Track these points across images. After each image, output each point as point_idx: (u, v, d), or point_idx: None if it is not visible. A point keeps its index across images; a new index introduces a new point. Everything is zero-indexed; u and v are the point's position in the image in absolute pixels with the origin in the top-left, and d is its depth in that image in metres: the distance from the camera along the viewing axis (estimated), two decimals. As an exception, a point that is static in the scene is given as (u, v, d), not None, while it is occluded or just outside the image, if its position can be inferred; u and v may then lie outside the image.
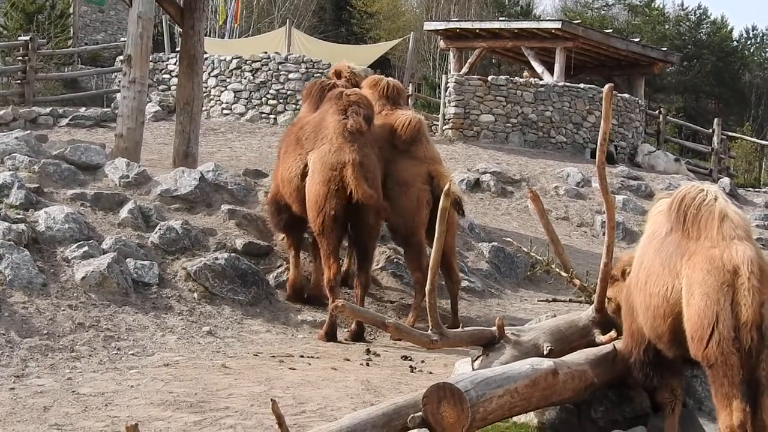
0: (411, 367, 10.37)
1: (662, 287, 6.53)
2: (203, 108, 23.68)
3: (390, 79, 13.60)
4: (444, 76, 28.57)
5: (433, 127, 28.23)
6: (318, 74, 26.34)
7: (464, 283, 13.97)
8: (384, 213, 11.89)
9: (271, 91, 26.94)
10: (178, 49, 22.65)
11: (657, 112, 33.64)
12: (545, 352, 7.64)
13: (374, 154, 11.90)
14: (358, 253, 12.08)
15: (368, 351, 11.05)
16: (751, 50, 57.74)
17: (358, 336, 11.57)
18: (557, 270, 9.58)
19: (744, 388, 6.14)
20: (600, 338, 7.94)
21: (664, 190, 22.92)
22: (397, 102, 13.18)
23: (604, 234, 8.13)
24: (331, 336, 11.46)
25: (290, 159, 12.21)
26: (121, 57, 19.59)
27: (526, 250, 10.76)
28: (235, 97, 27.23)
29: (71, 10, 35.52)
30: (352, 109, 11.86)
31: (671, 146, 34.90)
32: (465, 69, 32.02)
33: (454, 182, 12.13)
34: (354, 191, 11.30)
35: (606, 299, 8.03)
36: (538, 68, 30.45)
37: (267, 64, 27.17)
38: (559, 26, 29.61)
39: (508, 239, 14.20)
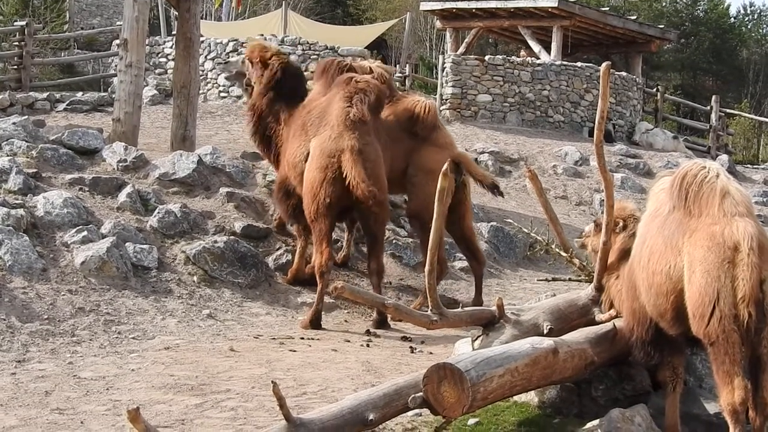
0: (411, 347, 10.39)
1: (665, 265, 6.54)
2: (200, 91, 23.61)
3: (379, 66, 13.42)
4: (441, 57, 28.51)
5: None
6: (315, 56, 26.31)
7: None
8: (386, 202, 11.79)
9: (268, 74, 26.87)
10: (174, 32, 22.60)
11: (655, 89, 33.61)
12: (545, 332, 7.66)
13: (377, 144, 11.74)
14: (368, 240, 11.93)
15: (368, 332, 11.05)
16: (749, 27, 57.61)
17: (381, 324, 11.32)
18: (556, 249, 9.58)
19: (745, 366, 6.15)
20: (600, 317, 7.96)
21: (662, 168, 22.96)
22: (389, 86, 13.10)
23: (602, 212, 8.11)
24: (315, 324, 11.19)
25: (296, 144, 12.06)
26: (118, 41, 19.57)
27: (526, 230, 10.76)
28: (232, 79, 27.18)
29: (67, -5, 35.47)
30: (358, 96, 11.67)
31: (669, 124, 34.88)
32: (462, 49, 31.99)
33: (472, 160, 12.20)
34: (349, 175, 11.23)
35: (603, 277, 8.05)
36: (535, 47, 30.44)
37: (263, 47, 27.09)
38: (556, 5, 29.53)
39: (508, 220, 14.21)
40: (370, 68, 12.95)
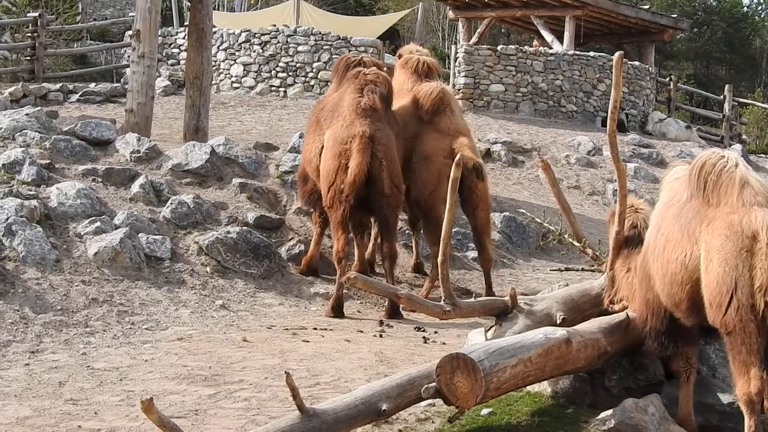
0: (424, 338, 10.39)
1: (681, 254, 6.51)
2: (213, 82, 23.60)
3: (422, 56, 13.47)
4: (453, 47, 28.44)
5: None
6: (327, 47, 26.31)
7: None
8: (399, 186, 11.83)
9: (280, 64, 26.85)
10: (186, 23, 22.58)
11: (667, 79, 33.48)
12: (558, 322, 7.65)
13: (390, 130, 11.85)
14: (380, 225, 12.05)
15: (381, 323, 11.06)
16: (762, 16, 57.43)
17: (394, 313, 11.39)
18: (569, 239, 9.57)
19: (762, 356, 6.12)
20: (613, 307, 7.94)
21: (675, 157, 22.87)
22: (430, 77, 13.16)
23: (615, 202, 8.11)
24: (338, 311, 11.36)
25: (311, 139, 12.32)
26: (130, 32, 19.53)
27: (539, 220, 10.75)
28: (244, 70, 27.15)
29: (79, -14, 35.46)
30: (369, 87, 11.87)
31: (682, 113, 34.74)
32: (474, 39, 31.90)
33: (469, 150, 12.06)
34: (351, 162, 11.35)
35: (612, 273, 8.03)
36: (548, 37, 30.30)
37: (276, 37, 27.06)
38: (568, -6, 29.45)
39: (521, 210, 14.20)
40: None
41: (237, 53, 27.36)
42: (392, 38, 39.60)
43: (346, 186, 11.33)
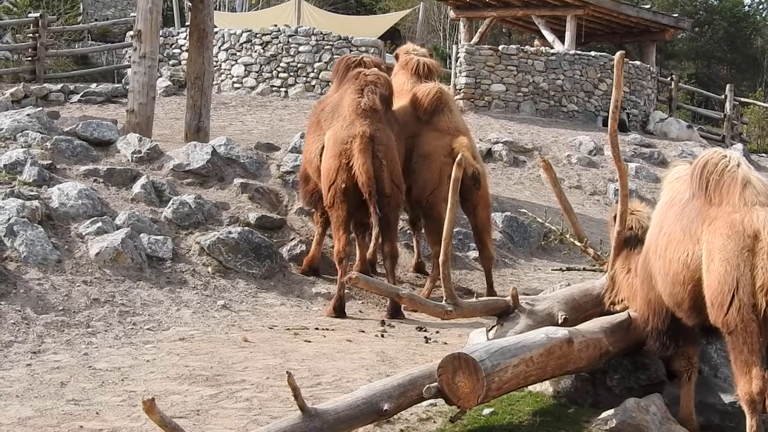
0: (426, 338, 10.38)
1: (683, 253, 6.50)
2: (214, 82, 23.61)
3: (422, 57, 13.49)
4: (454, 47, 28.45)
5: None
6: (328, 47, 26.32)
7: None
8: (399, 186, 11.85)
9: (281, 64, 26.86)
10: (188, 23, 22.60)
11: (669, 78, 33.46)
12: (560, 321, 7.65)
13: (390, 131, 11.88)
14: (381, 224, 12.02)
15: (383, 322, 11.05)
16: (763, 15, 57.48)
17: (396, 313, 11.40)
18: (571, 239, 9.57)
19: (763, 355, 6.12)
20: (614, 307, 7.94)
21: (676, 157, 22.86)
22: (430, 78, 13.18)
23: (617, 202, 8.11)
24: (339, 311, 11.36)
25: (311, 140, 12.36)
26: (132, 32, 19.56)
27: (540, 220, 10.74)
28: (245, 70, 27.15)
29: (80, -14, 35.45)
30: (369, 88, 11.89)
31: (683, 113, 34.74)
32: (475, 39, 31.91)
33: (469, 152, 12.03)
34: (355, 163, 11.37)
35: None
36: (549, 37, 30.31)
37: (277, 37, 27.07)
38: (569, -6, 29.46)
39: (523, 210, 14.18)
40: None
41: (238, 53, 27.36)
42: (393, 38, 39.58)
43: (364, 186, 11.29)
